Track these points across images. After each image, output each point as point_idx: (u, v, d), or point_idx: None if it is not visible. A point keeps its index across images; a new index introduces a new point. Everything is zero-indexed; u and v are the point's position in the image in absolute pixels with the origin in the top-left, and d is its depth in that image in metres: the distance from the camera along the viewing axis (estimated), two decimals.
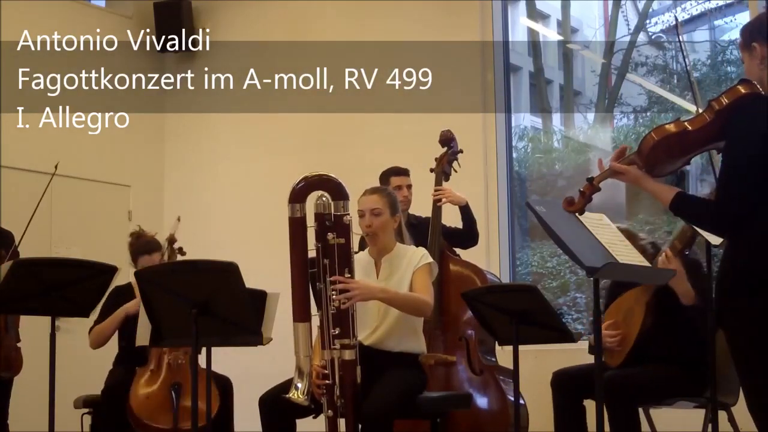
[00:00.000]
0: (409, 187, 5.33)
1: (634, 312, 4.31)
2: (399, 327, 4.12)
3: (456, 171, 5.39)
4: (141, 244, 5.27)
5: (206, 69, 8.06)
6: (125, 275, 4.64)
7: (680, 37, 4.68)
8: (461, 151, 5.38)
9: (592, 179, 3.22)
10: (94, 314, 4.59)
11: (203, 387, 4.14)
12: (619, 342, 4.28)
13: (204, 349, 4.10)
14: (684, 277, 4.15)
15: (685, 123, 3.00)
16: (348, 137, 7.24)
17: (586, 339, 4.65)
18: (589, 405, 4.28)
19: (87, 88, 7.66)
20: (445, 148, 5.35)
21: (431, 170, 5.33)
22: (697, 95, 3.99)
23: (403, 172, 5.37)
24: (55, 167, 5.35)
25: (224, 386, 5.13)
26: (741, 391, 4.23)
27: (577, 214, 3.41)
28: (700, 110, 3.05)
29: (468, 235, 5.32)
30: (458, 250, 5.32)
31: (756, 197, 2.84)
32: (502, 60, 6.89)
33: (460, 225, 5.36)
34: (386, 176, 5.32)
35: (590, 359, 4.50)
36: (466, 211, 5.28)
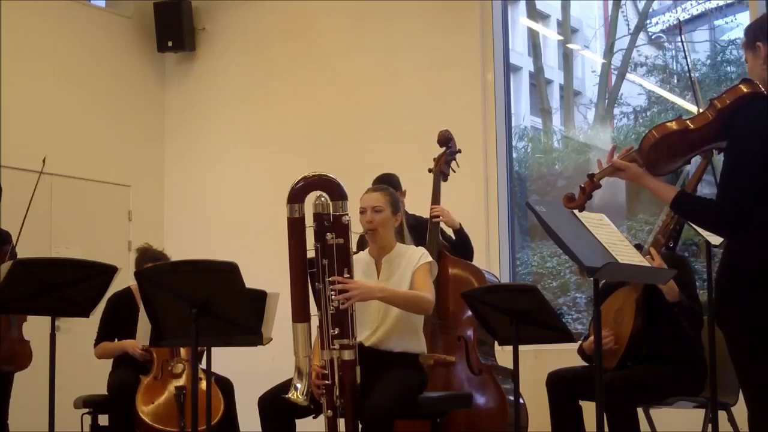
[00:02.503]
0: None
1: (623, 312, 4.31)
2: (399, 327, 4.12)
3: (454, 171, 5.39)
4: (148, 255, 5.28)
5: (206, 69, 8.08)
6: (124, 280, 4.64)
7: (682, 37, 4.69)
8: (459, 151, 5.38)
9: (592, 176, 3.23)
10: (95, 316, 4.59)
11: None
12: (611, 344, 4.28)
13: (204, 350, 4.10)
14: None
15: (687, 121, 3.00)
16: (347, 137, 7.25)
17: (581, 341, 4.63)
18: (587, 406, 4.29)
19: (87, 87, 7.69)
20: (444, 148, 5.34)
21: (429, 170, 5.32)
22: (698, 95, 3.99)
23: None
24: (43, 161, 5.33)
25: (226, 388, 5.14)
26: (741, 391, 4.25)
27: (576, 212, 3.42)
28: (702, 109, 3.05)
29: (461, 252, 5.27)
30: None
31: (757, 197, 2.84)
32: (502, 60, 6.89)
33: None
34: None
35: (581, 362, 4.53)
36: (459, 233, 5.26)
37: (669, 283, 4.13)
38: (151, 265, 4.80)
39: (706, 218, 3.04)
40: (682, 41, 4.56)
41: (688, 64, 4.18)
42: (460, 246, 5.27)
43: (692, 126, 2.98)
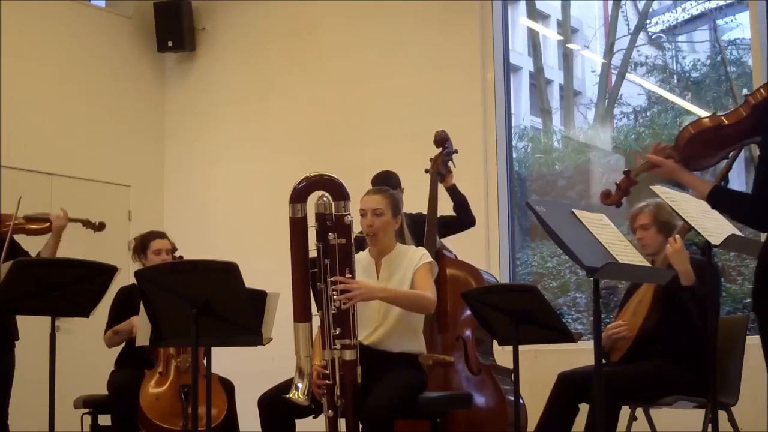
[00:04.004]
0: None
1: (642, 304, 4.34)
2: (399, 327, 4.12)
3: (451, 172, 5.38)
4: (151, 233, 5.30)
5: (206, 69, 8.08)
6: (124, 280, 4.63)
7: (716, 33, 4.69)
8: (456, 152, 5.37)
9: (628, 172, 3.26)
10: (96, 316, 4.58)
11: (212, 388, 4.14)
12: (625, 332, 4.28)
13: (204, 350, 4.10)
14: (686, 258, 4.17)
15: (722, 117, 3.04)
16: (348, 137, 7.25)
17: (590, 338, 4.63)
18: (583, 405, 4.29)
19: (87, 87, 7.69)
20: (440, 149, 5.34)
21: (426, 171, 5.32)
22: (734, 89, 4.00)
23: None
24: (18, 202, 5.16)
25: (227, 388, 5.14)
26: (741, 391, 4.25)
27: (576, 212, 3.42)
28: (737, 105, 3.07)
29: (464, 214, 5.28)
30: (457, 248, 5.30)
31: None
32: (502, 60, 6.89)
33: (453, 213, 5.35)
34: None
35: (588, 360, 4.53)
36: (454, 192, 5.27)
37: (685, 266, 4.14)
38: (151, 265, 4.81)
39: (740, 212, 3.04)
40: (717, 40, 4.58)
41: (723, 59, 4.19)
42: (460, 208, 5.27)
43: (726, 122, 3.01)
